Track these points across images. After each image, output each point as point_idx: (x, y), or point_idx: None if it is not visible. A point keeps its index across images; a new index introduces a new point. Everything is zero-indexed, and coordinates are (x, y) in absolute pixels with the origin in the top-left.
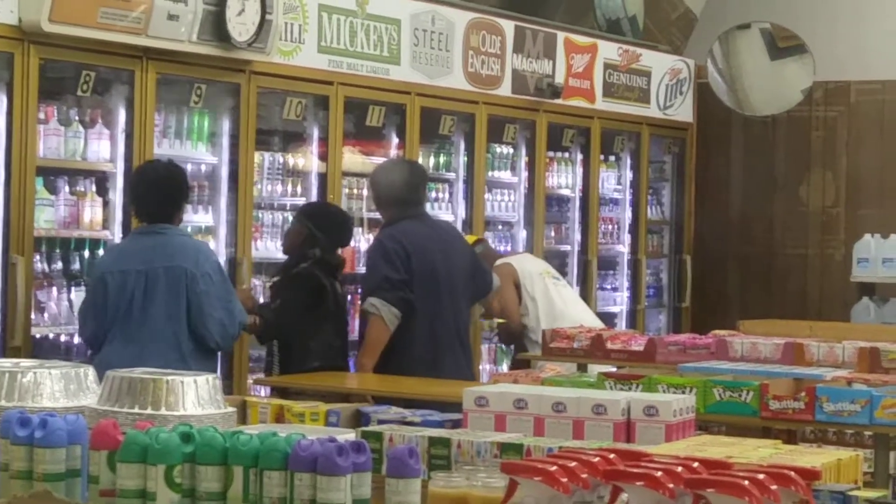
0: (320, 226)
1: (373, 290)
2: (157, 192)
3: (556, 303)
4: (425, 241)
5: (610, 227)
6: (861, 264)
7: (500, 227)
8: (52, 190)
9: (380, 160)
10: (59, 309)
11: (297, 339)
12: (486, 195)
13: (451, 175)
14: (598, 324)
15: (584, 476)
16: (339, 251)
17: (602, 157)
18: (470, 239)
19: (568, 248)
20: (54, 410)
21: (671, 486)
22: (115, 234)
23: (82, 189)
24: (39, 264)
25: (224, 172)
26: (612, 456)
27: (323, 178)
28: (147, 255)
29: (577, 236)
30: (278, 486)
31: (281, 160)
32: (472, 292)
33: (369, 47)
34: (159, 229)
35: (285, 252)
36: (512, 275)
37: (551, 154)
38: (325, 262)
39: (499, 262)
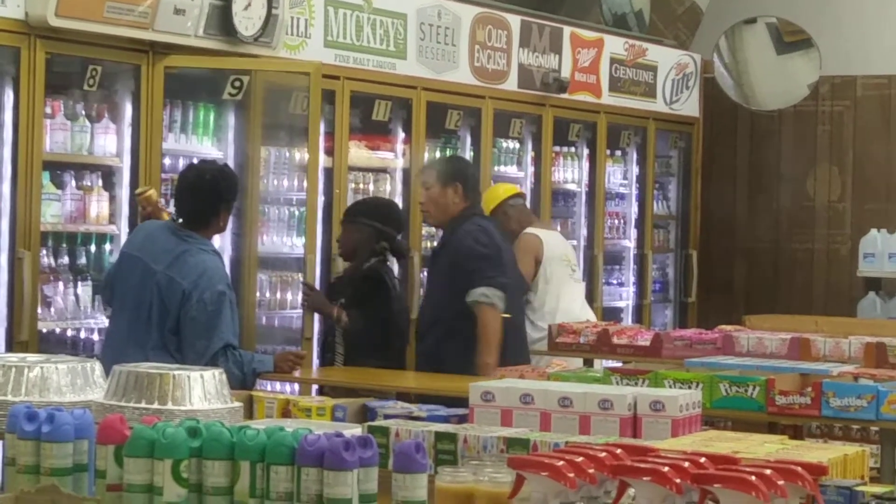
0: (379, 218)
1: (476, 281)
2: (194, 195)
3: (563, 296)
4: (501, 239)
5: (616, 221)
6: (867, 259)
7: None
8: (59, 184)
9: (386, 155)
10: (66, 304)
11: (360, 337)
12: None
13: None
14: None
15: (591, 471)
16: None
17: (608, 151)
18: (511, 190)
19: (574, 242)
20: (61, 405)
21: (678, 481)
22: (122, 229)
23: (89, 184)
24: (46, 259)
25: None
26: (618, 451)
27: (329, 172)
28: (164, 257)
29: (584, 231)
30: (285, 481)
31: (287, 155)
32: (523, 289)
33: (375, 42)
34: (187, 237)
35: (346, 257)
36: (536, 249)
37: (557, 149)
38: (396, 251)
39: (528, 230)
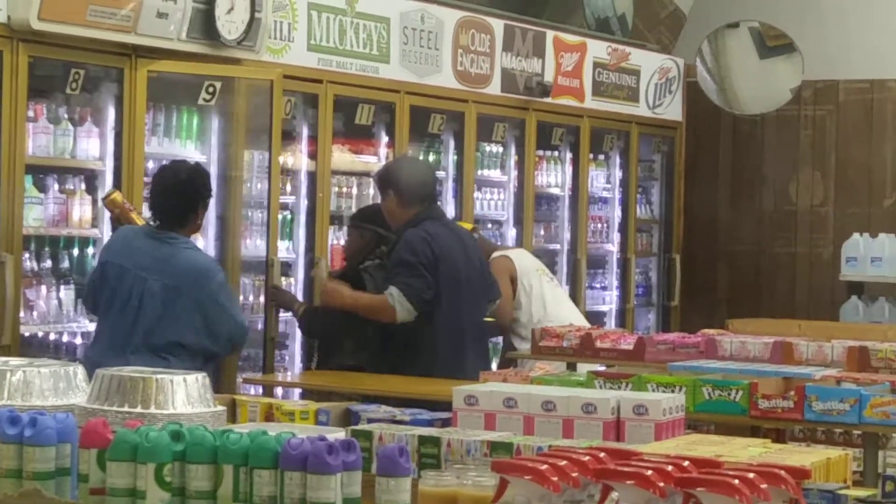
0: (381, 223)
1: (395, 283)
2: (171, 195)
3: (549, 302)
4: (450, 245)
5: (599, 225)
6: (850, 263)
7: (489, 225)
8: (42, 188)
9: (369, 158)
10: (49, 307)
11: (335, 337)
12: (476, 194)
13: (441, 174)
14: (585, 325)
15: (575, 475)
16: None
17: (591, 155)
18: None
19: (557, 246)
20: (44, 409)
21: (661, 484)
22: (104, 233)
23: (71, 187)
24: (28, 263)
25: (213, 171)
26: (602, 455)
27: (312, 176)
28: (150, 262)
29: (567, 235)
30: (268, 485)
31: (270, 158)
32: (487, 296)
33: (359, 46)
34: (168, 238)
35: (347, 261)
36: (509, 269)
37: (541, 153)
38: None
39: (496, 254)
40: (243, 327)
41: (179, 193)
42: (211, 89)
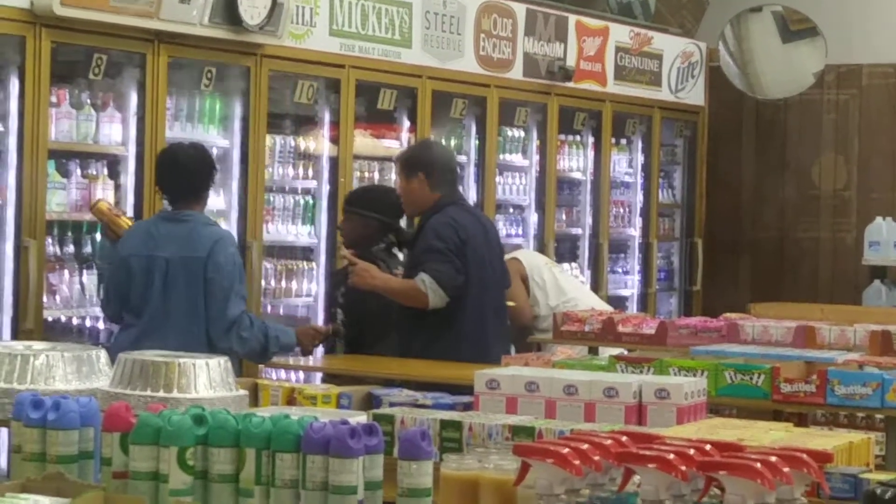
0: (380, 209)
1: (425, 269)
2: (184, 174)
3: (565, 288)
4: (473, 229)
5: (621, 210)
6: (873, 247)
7: (511, 210)
8: (64, 173)
9: (391, 143)
10: (71, 292)
11: (356, 325)
12: (498, 178)
13: (463, 158)
14: (606, 309)
15: (597, 458)
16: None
17: (613, 140)
18: None
19: (579, 231)
20: (67, 393)
21: (683, 468)
22: None
23: (94, 172)
24: (51, 247)
25: (236, 156)
26: (624, 438)
27: (334, 161)
28: (171, 242)
29: (589, 220)
30: (290, 469)
31: (292, 143)
32: (504, 282)
33: (381, 30)
34: (184, 216)
35: (349, 246)
36: (519, 270)
37: (563, 137)
38: (403, 242)
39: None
40: (230, 312)
41: (193, 171)
42: (209, 75)
